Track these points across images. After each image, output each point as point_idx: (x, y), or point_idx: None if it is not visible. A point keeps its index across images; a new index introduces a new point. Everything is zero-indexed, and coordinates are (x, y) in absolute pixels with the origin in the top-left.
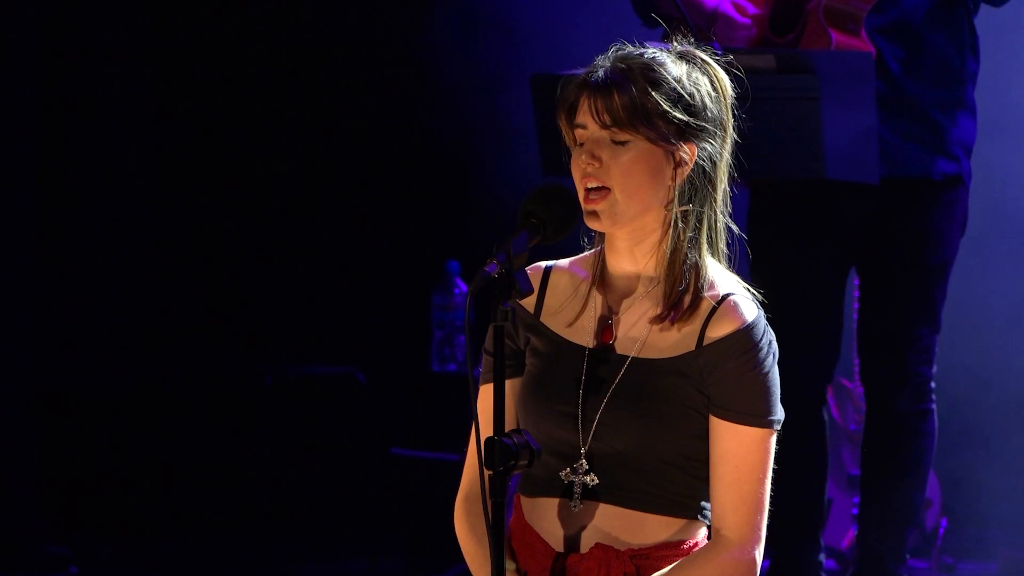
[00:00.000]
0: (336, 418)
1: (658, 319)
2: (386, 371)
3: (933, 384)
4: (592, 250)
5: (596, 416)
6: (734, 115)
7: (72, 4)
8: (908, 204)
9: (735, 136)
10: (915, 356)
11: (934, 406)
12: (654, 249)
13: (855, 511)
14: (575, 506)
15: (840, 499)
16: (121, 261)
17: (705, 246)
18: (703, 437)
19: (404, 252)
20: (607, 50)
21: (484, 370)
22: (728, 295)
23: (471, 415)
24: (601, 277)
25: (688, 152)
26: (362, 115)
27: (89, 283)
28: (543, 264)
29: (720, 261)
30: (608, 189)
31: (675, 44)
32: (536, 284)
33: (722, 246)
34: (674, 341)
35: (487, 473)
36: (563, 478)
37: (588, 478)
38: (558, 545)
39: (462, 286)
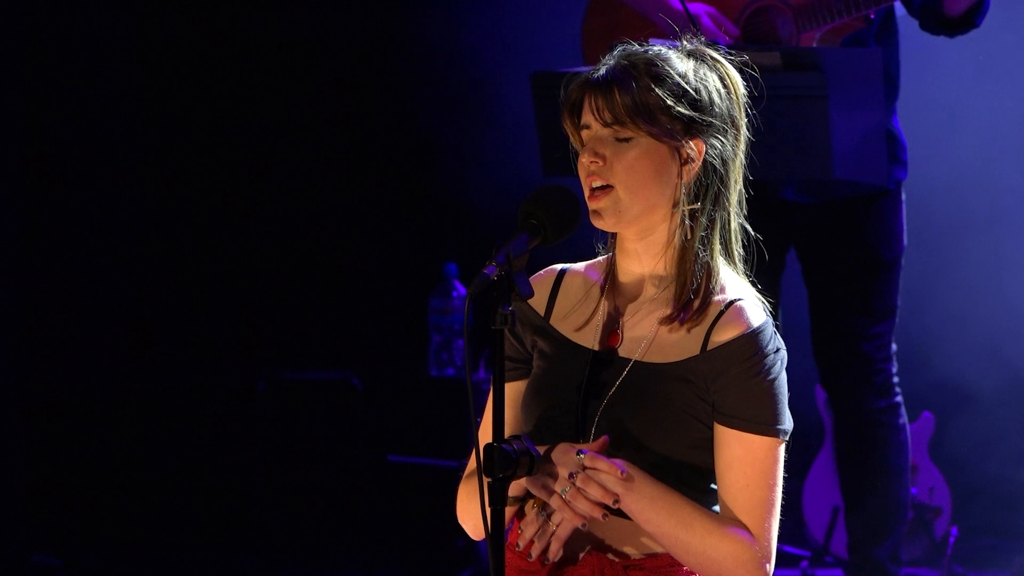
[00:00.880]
0: (331, 425)
1: (667, 320)
2: (382, 376)
3: (896, 378)
4: (607, 255)
5: (595, 419)
6: (747, 114)
7: None
8: (863, 206)
9: (749, 135)
10: (878, 352)
11: (900, 399)
12: (663, 250)
13: None
14: None
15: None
16: (109, 264)
17: (718, 248)
18: (702, 447)
19: (401, 254)
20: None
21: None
22: (736, 299)
23: (470, 421)
24: (612, 280)
25: (696, 149)
26: (358, 114)
27: (77, 287)
28: (558, 267)
29: (735, 264)
30: (612, 187)
31: (684, 43)
32: (548, 286)
33: (737, 248)
34: (679, 345)
35: (486, 480)
36: None
37: None
38: None
39: (460, 289)
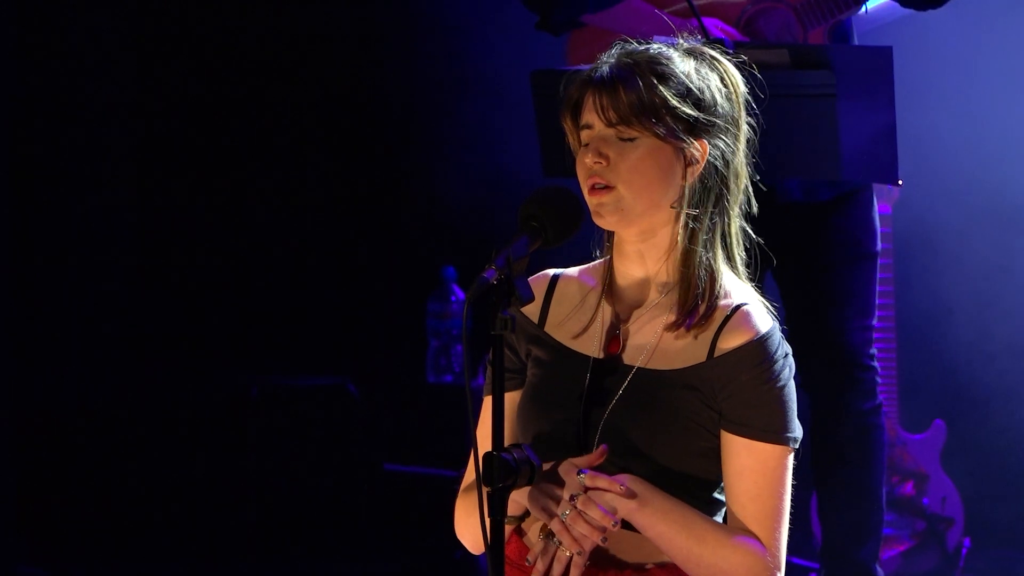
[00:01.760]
0: (326, 432)
1: (672, 327)
2: (379, 382)
3: (879, 378)
4: (603, 258)
5: (598, 428)
6: (748, 114)
7: None
8: (845, 199)
9: (749, 136)
10: (866, 347)
11: (882, 399)
12: (666, 253)
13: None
14: None
15: None
16: (100, 267)
17: (720, 251)
18: (707, 456)
19: (398, 257)
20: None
21: (487, 382)
22: (741, 305)
23: (469, 429)
24: (610, 285)
25: (700, 149)
26: (354, 115)
27: (68, 291)
28: (551, 272)
29: (737, 268)
30: (613, 187)
31: (681, 41)
32: (542, 292)
33: (740, 252)
34: (684, 352)
35: (485, 490)
36: None
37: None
38: None
39: (459, 293)
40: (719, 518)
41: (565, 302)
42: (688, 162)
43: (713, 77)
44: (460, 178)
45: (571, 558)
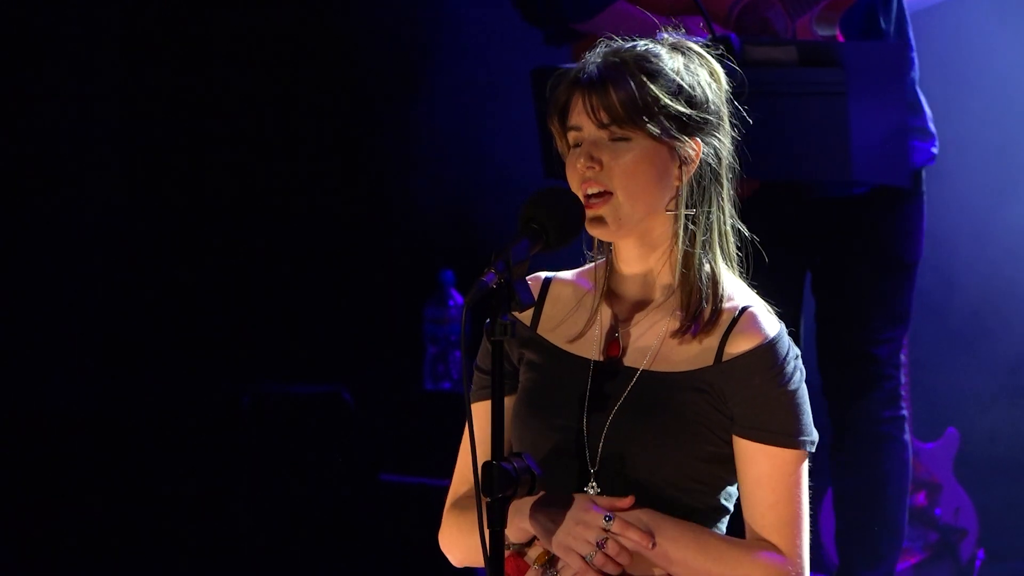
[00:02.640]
0: (320, 442)
1: (678, 331)
2: (375, 390)
3: (904, 391)
4: (597, 261)
5: (602, 433)
6: (732, 108)
7: None
8: (881, 201)
9: (732, 132)
10: (890, 358)
11: (907, 414)
12: (665, 255)
13: None
14: None
15: None
16: (85, 269)
17: (719, 252)
18: (715, 461)
19: (394, 260)
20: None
21: (475, 387)
22: (747, 307)
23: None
24: (608, 287)
25: (694, 148)
26: (350, 115)
27: (53, 294)
28: (542, 274)
29: (732, 266)
30: (610, 193)
31: (666, 36)
32: (535, 295)
33: (732, 251)
34: (689, 355)
35: (484, 501)
36: None
37: None
38: None
39: (457, 298)
40: (724, 524)
41: (559, 305)
42: (682, 161)
43: (702, 72)
44: (459, 179)
45: None
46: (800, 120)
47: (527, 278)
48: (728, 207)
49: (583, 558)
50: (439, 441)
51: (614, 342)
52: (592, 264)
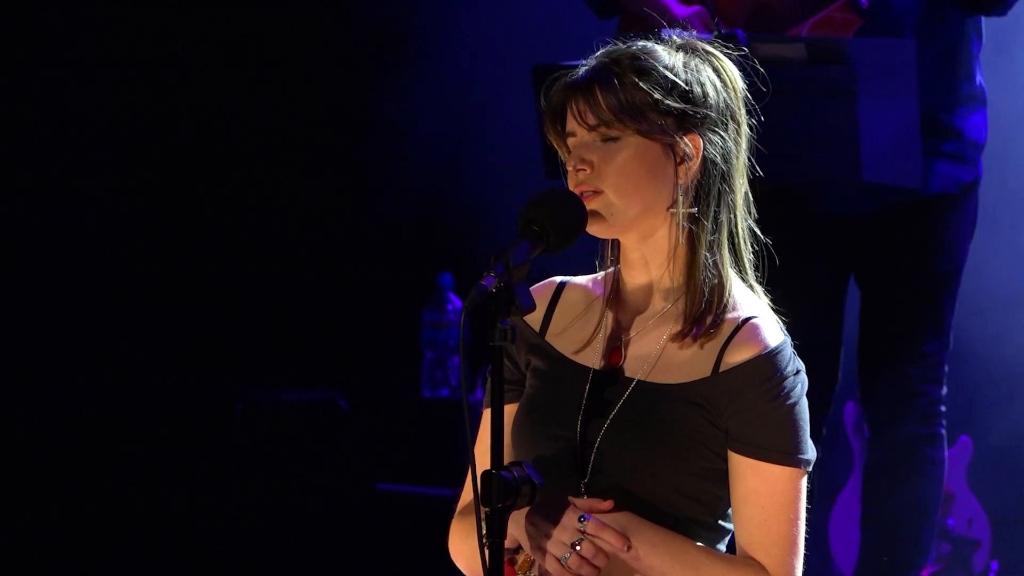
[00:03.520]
0: (315, 450)
1: (677, 337)
2: (371, 397)
3: (943, 407)
4: (612, 268)
5: (595, 444)
6: (748, 109)
7: None
8: (919, 212)
9: (749, 132)
10: (923, 373)
11: (943, 431)
12: (669, 258)
13: None
14: None
15: None
16: (75, 274)
17: (727, 256)
18: (710, 478)
19: (391, 263)
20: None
21: (486, 394)
22: (750, 317)
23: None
24: (615, 294)
25: (692, 145)
26: (346, 115)
27: (39, 299)
28: (557, 279)
29: (746, 271)
30: (601, 192)
31: (674, 36)
32: (546, 301)
33: (747, 255)
34: (687, 365)
35: (483, 511)
36: None
37: None
38: None
39: (456, 302)
40: (722, 544)
41: (569, 311)
42: (680, 159)
43: (706, 69)
44: (457, 180)
45: None
46: (808, 119)
47: (543, 283)
48: (741, 208)
49: (558, 560)
50: (437, 450)
51: (616, 350)
52: (605, 271)
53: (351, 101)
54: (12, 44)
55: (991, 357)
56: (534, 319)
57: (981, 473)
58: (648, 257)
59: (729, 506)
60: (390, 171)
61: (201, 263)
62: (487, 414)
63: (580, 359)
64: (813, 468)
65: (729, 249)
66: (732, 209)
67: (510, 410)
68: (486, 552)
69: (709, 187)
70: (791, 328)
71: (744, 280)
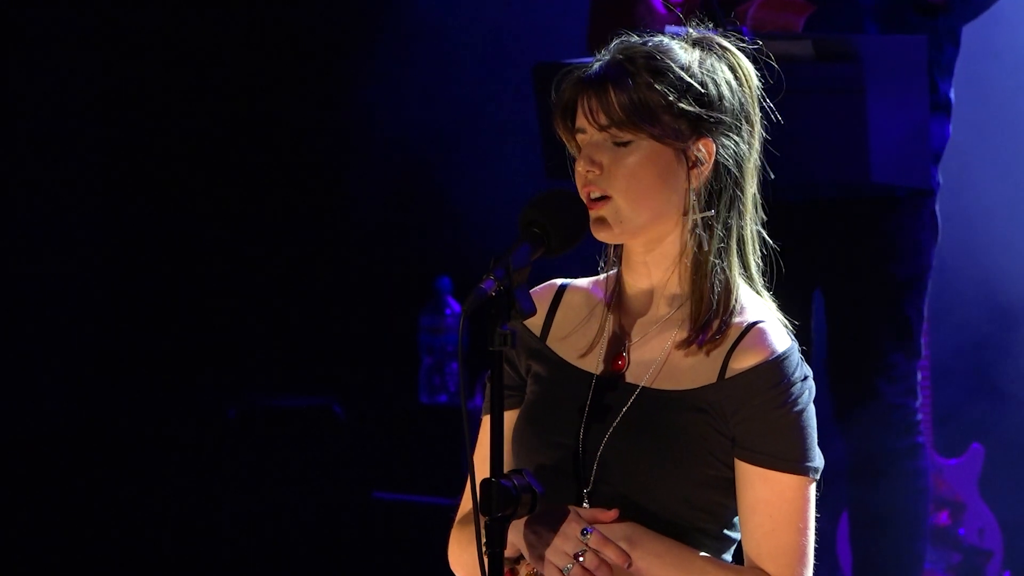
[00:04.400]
0: (310, 457)
1: (682, 344)
2: (367, 403)
3: (919, 416)
4: (611, 271)
5: (597, 452)
6: (763, 109)
7: None
8: (872, 212)
9: (763, 133)
10: (891, 386)
11: (922, 439)
12: (675, 264)
13: None
14: None
15: None
16: (68, 279)
17: (736, 261)
18: (715, 486)
19: (388, 266)
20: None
21: (485, 400)
22: (757, 322)
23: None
24: (618, 298)
25: (705, 150)
26: (342, 115)
27: (32, 303)
28: (558, 282)
29: (754, 278)
30: (609, 197)
31: (691, 31)
32: (547, 304)
33: (755, 260)
34: (693, 371)
35: (483, 520)
36: None
37: None
38: None
39: (455, 306)
40: (728, 555)
41: (571, 315)
42: (692, 164)
43: (722, 68)
44: (456, 181)
45: None
46: (816, 118)
47: (544, 285)
48: (749, 212)
49: (560, 571)
50: (435, 457)
51: (619, 356)
52: (606, 273)
53: (349, 103)
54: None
55: (1004, 364)
56: (535, 323)
57: (993, 481)
58: (653, 261)
59: (735, 515)
60: (388, 173)
61: (194, 267)
62: (486, 420)
63: (582, 364)
64: (821, 476)
65: (737, 253)
66: (742, 214)
67: (510, 416)
68: (485, 562)
69: (721, 191)
70: None
71: (751, 285)
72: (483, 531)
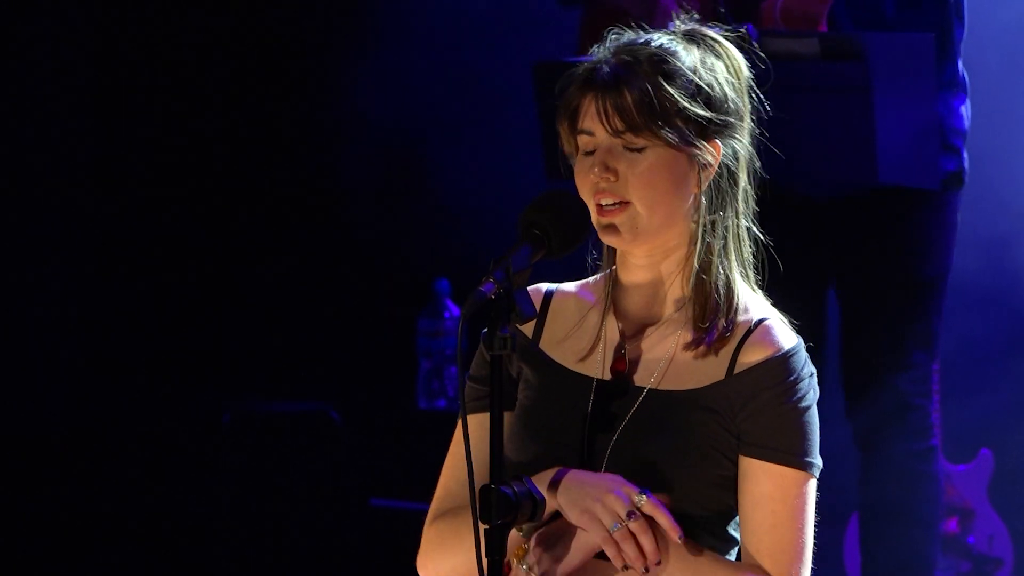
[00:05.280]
0: (306, 463)
1: (688, 345)
2: (364, 408)
3: (935, 418)
4: (601, 273)
5: (605, 456)
6: (752, 100)
7: None
8: (895, 209)
9: (753, 127)
10: (911, 386)
11: (937, 442)
12: (679, 267)
13: None
14: None
15: None
16: (62, 282)
17: (735, 259)
18: (724, 486)
19: (386, 269)
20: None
21: (468, 399)
22: (764, 319)
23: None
24: (615, 301)
25: (713, 152)
26: (340, 115)
27: (25, 306)
28: (543, 287)
29: (748, 274)
30: (628, 202)
31: (679, 23)
32: (536, 309)
33: (748, 256)
34: (700, 370)
35: (482, 527)
36: None
37: None
38: None
39: (453, 309)
40: (732, 556)
41: (562, 320)
42: (701, 167)
43: (719, 66)
44: (455, 182)
45: None
46: (822, 118)
47: (528, 288)
48: (743, 209)
49: (607, 529)
50: (433, 463)
51: (620, 359)
52: (594, 276)
53: (346, 105)
54: None
55: (1013, 369)
56: (526, 328)
57: (1003, 488)
58: (655, 264)
59: (736, 514)
60: (385, 175)
61: (190, 271)
62: (470, 420)
63: (581, 369)
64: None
65: (735, 251)
66: (738, 211)
67: (485, 419)
68: (485, 569)
69: (722, 191)
70: None
71: (747, 282)
72: (481, 538)
